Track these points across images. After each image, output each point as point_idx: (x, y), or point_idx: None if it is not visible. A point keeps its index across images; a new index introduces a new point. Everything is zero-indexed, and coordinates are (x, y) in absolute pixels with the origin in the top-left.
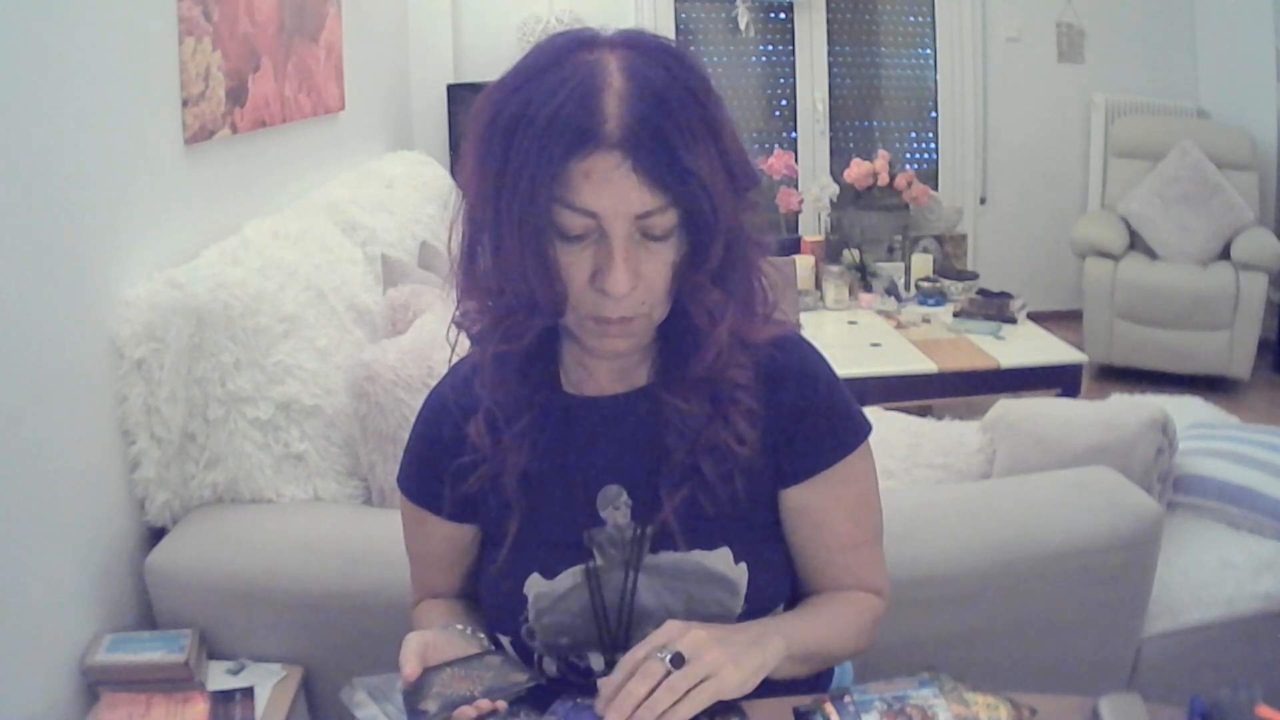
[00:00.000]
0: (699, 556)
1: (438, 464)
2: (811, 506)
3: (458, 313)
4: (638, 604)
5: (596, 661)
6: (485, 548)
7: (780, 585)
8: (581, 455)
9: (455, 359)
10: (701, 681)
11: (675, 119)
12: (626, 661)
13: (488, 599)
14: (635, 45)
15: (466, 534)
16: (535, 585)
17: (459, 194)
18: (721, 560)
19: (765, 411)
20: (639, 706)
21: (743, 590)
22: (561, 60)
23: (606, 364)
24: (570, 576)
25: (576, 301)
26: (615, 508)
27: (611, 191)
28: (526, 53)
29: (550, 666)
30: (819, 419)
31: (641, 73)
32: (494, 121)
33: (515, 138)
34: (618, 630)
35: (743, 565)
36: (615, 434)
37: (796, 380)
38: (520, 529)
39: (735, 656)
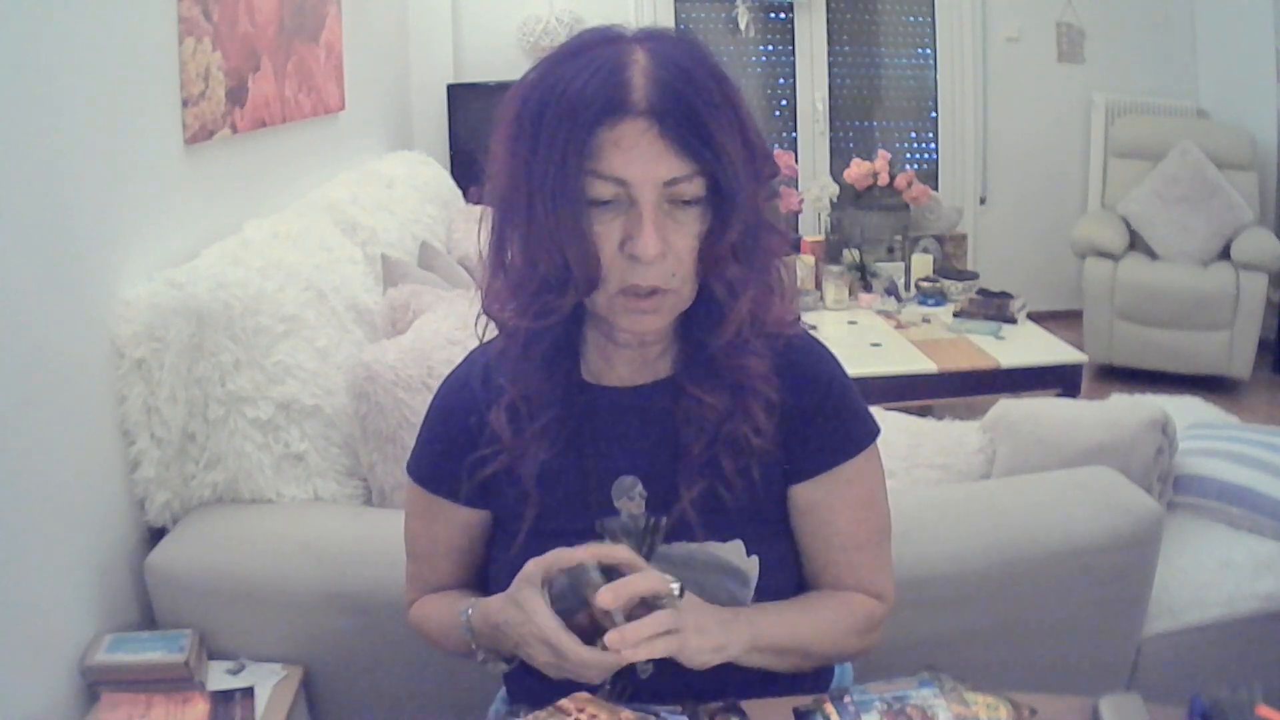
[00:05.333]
0: (713, 548)
1: (457, 449)
2: (818, 504)
3: (485, 300)
4: None
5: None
6: (496, 535)
7: (790, 579)
8: (598, 445)
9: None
10: (668, 633)
11: (700, 91)
12: (642, 573)
13: (499, 586)
14: (658, 37)
15: (479, 520)
16: None
17: (487, 188)
18: (734, 552)
19: (780, 408)
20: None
21: (754, 582)
22: (586, 50)
23: (627, 355)
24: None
25: (608, 271)
26: (630, 498)
27: (640, 157)
28: (553, 50)
29: None
30: (830, 418)
31: (665, 53)
32: (523, 108)
33: (545, 117)
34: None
35: (754, 558)
36: (632, 425)
37: (810, 379)
38: (534, 517)
39: (704, 626)
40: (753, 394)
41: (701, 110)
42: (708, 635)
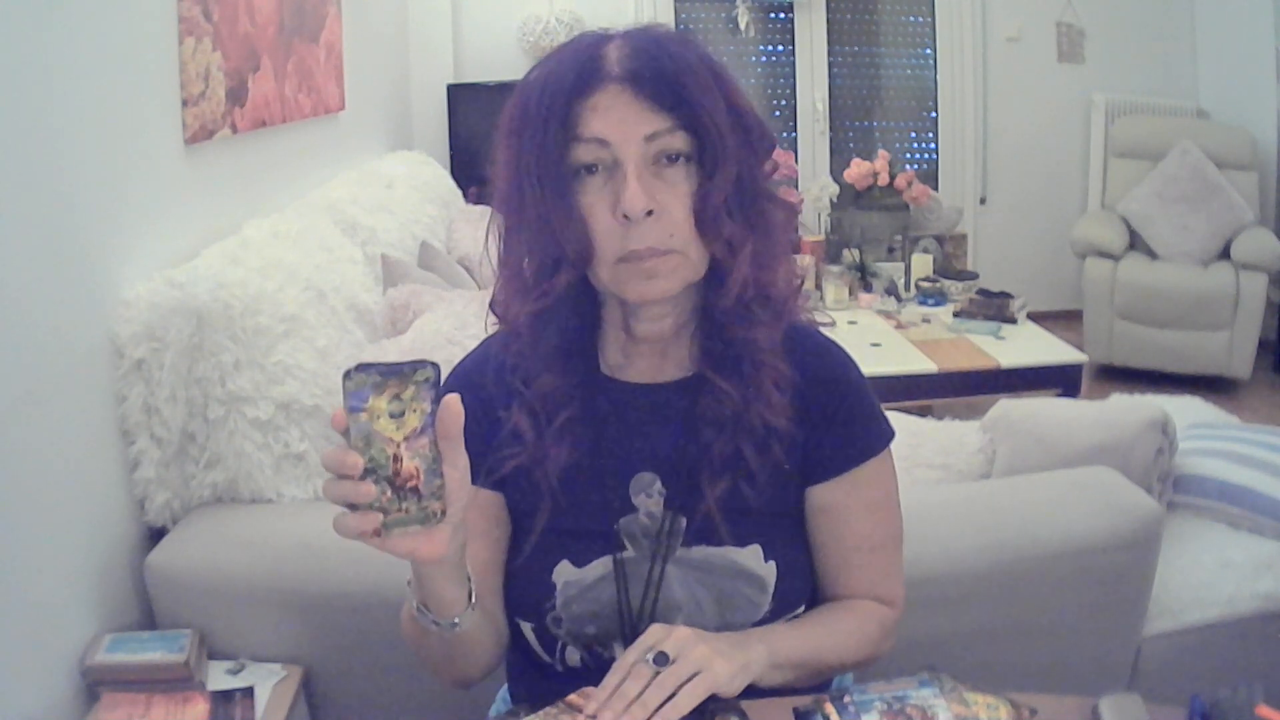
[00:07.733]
0: (731, 552)
1: (472, 427)
2: (835, 505)
3: (492, 299)
4: (668, 596)
5: (620, 653)
6: (513, 533)
7: (805, 585)
8: (617, 440)
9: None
10: (693, 676)
11: (674, 58)
12: (618, 666)
13: (513, 584)
14: (644, 28)
15: (497, 503)
16: (564, 573)
17: (492, 196)
18: (752, 557)
19: (798, 410)
20: (631, 705)
21: (771, 587)
22: (570, 45)
23: (646, 351)
24: (600, 566)
25: (603, 242)
26: (648, 495)
27: (618, 117)
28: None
29: (573, 657)
30: (848, 421)
31: (645, 33)
32: (514, 105)
33: (530, 105)
34: (643, 621)
35: (771, 563)
36: (652, 421)
37: (828, 382)
38: (551, 515)
39: (721, 650)
40: (765, 370)
41: (676, 70)
42: (732, 656)
